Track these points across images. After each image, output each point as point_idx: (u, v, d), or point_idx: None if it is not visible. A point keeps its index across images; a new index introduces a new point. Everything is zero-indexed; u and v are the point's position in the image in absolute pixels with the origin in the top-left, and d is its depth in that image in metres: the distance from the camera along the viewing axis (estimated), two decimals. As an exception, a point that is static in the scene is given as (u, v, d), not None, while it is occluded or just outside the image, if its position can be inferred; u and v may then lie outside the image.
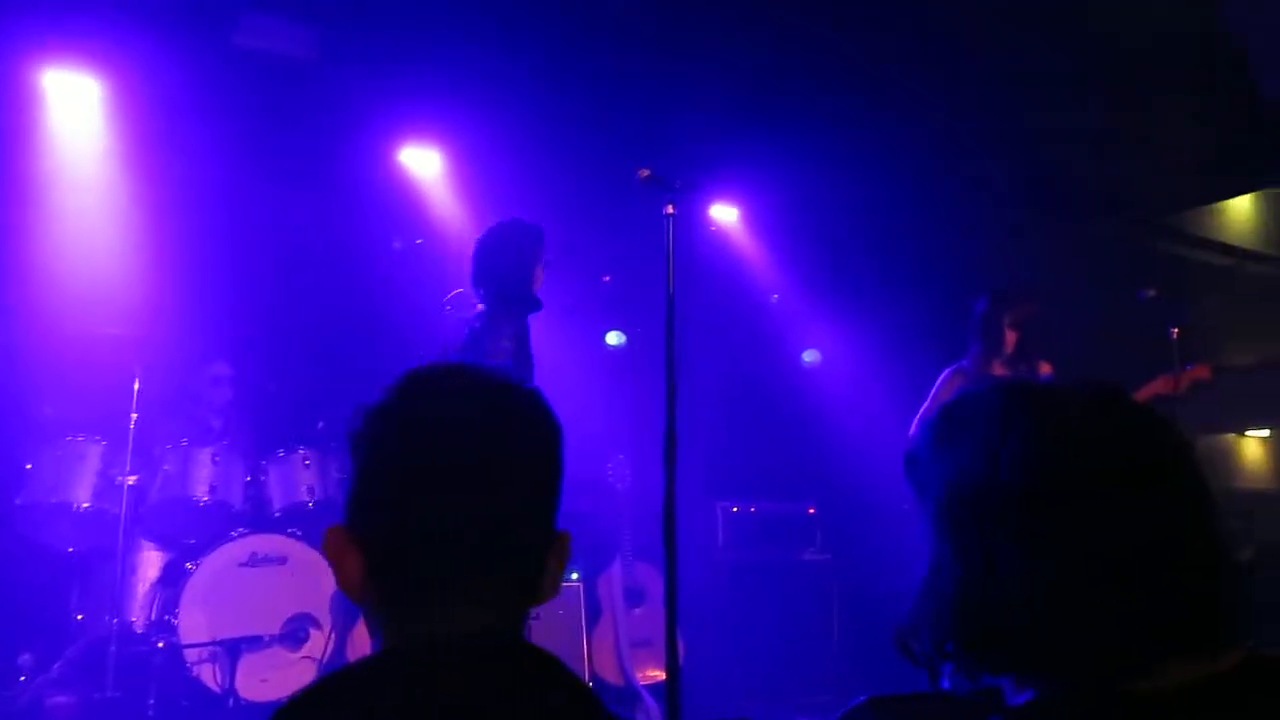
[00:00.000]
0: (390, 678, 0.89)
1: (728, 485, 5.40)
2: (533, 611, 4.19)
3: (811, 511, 5.09)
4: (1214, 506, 0.93)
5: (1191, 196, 6.69)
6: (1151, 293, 4.36)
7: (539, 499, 0.99)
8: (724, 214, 6.04)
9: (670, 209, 3.18)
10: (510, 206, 5.14)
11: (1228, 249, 7.40)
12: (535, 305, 3.78)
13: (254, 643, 4.05)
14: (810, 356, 5.57)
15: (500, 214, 3.77)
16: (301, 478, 4.51)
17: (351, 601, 0.95)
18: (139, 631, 4.11)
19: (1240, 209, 7.41)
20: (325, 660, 4.13)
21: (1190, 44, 4.72)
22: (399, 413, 0.97)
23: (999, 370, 4.30)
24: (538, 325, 3.82)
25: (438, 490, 0.94)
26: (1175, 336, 4.29)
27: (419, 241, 4.71)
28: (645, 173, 3.14)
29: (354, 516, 0.96)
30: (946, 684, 0.97)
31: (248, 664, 4.01)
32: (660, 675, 4.20)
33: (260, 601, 4.14)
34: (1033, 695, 0.93)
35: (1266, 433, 7.60)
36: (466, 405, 0.97)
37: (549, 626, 4.59)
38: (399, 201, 5.15)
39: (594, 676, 4.73)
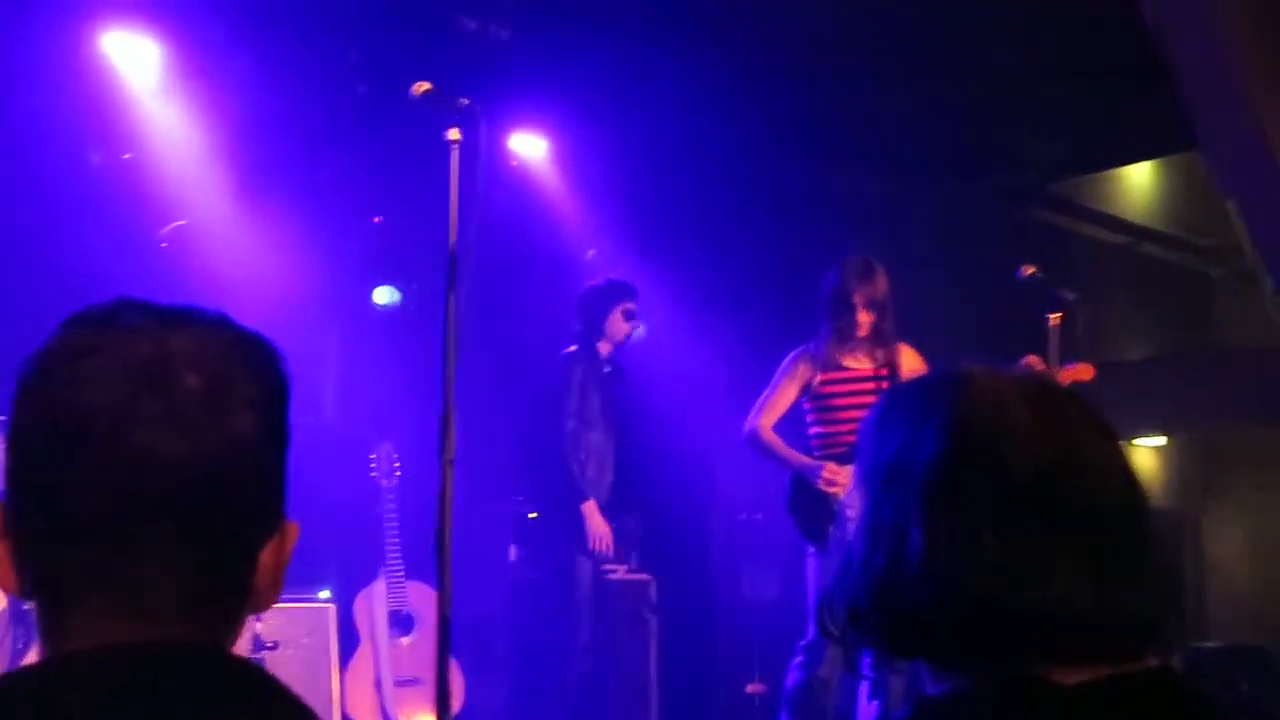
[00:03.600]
0: (34, 699, 0.88)
1: (523, 486, 5.45)
2: (268, 639, 4.10)
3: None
4: (1141, 513, 1.12)
5: (1080, 162, 7.06)
6: (1030, 271, 4.62)
7: (247, 472, 0.97)
8: (528, 146, 6.04)
9: (455, 134, 3.17)
10: (249, 116, 5.03)
11: (1122, 225, 7.91)
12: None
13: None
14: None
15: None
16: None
17: (22, 611, 0.93)
18: None
19: (1138, 179, 7.92)
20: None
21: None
22: (51, 359, 0.95)
23: (850, 356, 4.54)
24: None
25: (100, 457, 0.92)
26: (1052, 324, 4.57)
27: (126, 156, 4.54)
28: (423, 87, 3.15)
29: (5, 493, 0.95)
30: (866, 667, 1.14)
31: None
32: (429, 722, 4.24)
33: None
34: (947, 686, 1.10)
35: (1161, 441, 8.19)
36: (145, 349, 0.94)
37: (290, 657, 4.55)
38: (102, 103, 4.94)
39: (344, 721, 4.73)
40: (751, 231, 6.19)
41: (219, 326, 1.00)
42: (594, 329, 5.08)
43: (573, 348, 5.09)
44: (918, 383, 1.22)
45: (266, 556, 0.99)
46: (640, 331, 5.73)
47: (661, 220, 6.14)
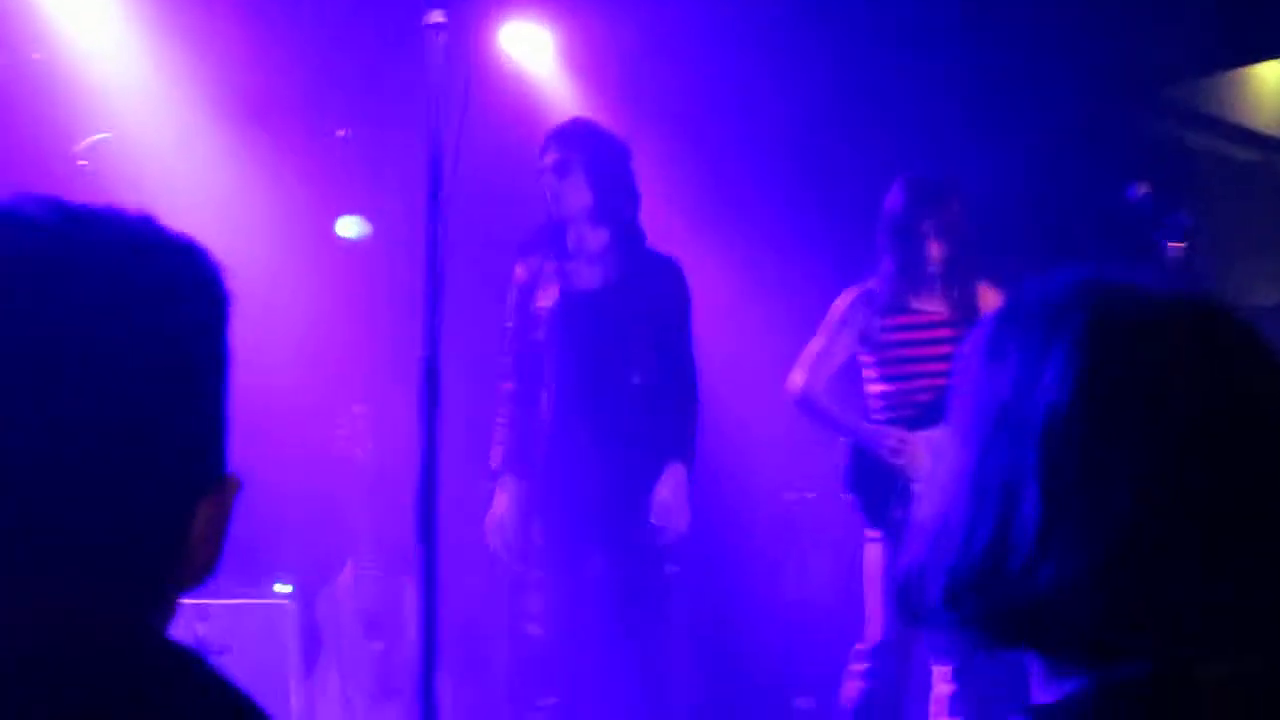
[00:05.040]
0: None
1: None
2: (215, 642, 4.12)
3: None
4: None
5: (1200, 62, 6.96)
6: (1143, 189, 4.53)
7: (173, 406, 0.99)
8: (527, 39, 5.98)
9: (437, 17, 3.20)
10: (185, 5, 4.95)
11: (1251, 135, 7.81)
12: None
13: None
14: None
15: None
16: None
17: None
18: None
19: (1270, 80, 7.83)
20: None
21: None
22: None
23: (919, 298, 4.56)
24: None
25: None
26: (1172, 252, 4.47)
27: (35, 57, 4.59)
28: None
29: None
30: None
31: None
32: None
33: None
34: (1067, 687, 1.06)
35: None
36: (46, 247, 0.97)
37: (242, 663, 4.52)
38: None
39: (309, 740, 4.81)
40: (799, 149, 6.15)
41: (142, 226, 1.02)
42: (550, 230, 4.49)
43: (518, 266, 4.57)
44: (1037, 298, 1.14)
45: (202, 514, 1.01)
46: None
47: (688, 135, 6.07)
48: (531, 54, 6.01)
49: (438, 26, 3.19)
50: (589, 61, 6.08)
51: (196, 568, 1.02)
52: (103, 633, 0.95)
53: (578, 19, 5.93)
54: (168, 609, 1.02)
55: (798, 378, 4.55)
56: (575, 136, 4.44)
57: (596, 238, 4.43)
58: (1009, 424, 1.08)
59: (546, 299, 4.43)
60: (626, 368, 4.41)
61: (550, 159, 4.38)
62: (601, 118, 5.56)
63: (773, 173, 6.20)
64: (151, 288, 0.99)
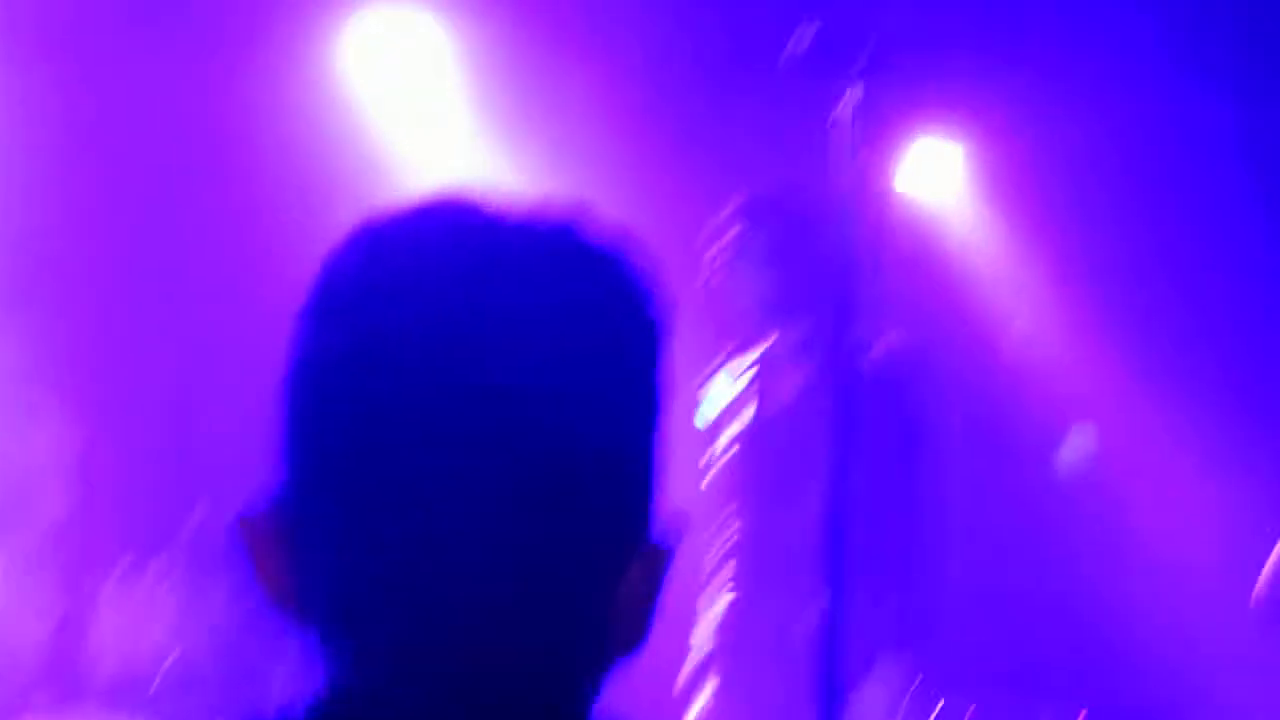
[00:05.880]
0: None
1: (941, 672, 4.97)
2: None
3: None
4: None
5: None
6: None
7: (601, 461, 0.96)
8: (944, 154, 5.72)
9: (845, 106, 3.10)
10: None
11: None
12: None
13: None
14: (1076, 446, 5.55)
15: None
16: (153, 617, 4.68)
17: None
18: None
19: None
20: None
21: None
22: (333, 300, 0.96)
23: None
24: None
25: (399, 436, 0.92)
26: None
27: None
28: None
29: (278, 480, 1.01)
30: None
31: None
32: None
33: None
34: None
35: None
36: (465, 282, 0.93)
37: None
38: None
39: None
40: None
41: (574, 229, 1.01)
42: None
43: None
44: None
45: (624, 585, 1.01)
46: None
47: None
48: (949, 171, 5.81)
49: (841, 122, 3.05)
50: (1019, 180, 5.84)
51: (625, 640, 0.99)
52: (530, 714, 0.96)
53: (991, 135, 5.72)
54: (593, 689, 0.98)
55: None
56: None
57: None
58: None
59: None
60: None
61: None
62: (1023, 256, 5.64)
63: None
64: (623, 307, 0.97)
